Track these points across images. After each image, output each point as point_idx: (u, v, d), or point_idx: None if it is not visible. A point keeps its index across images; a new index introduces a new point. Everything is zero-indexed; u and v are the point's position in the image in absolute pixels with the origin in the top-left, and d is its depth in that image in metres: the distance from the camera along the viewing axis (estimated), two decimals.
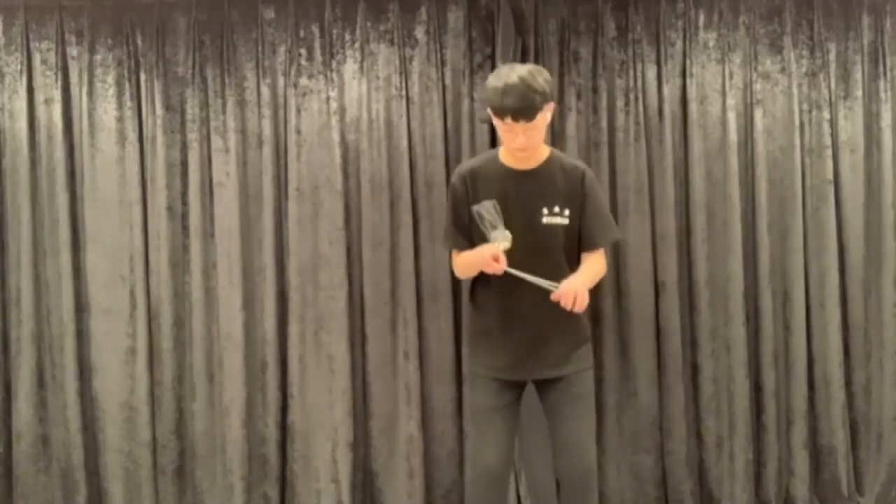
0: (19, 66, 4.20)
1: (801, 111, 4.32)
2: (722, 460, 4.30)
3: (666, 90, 4.26)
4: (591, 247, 3.12)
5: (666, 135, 4.25)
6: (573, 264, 3.09)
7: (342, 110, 4.23)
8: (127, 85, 4.21)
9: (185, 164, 4.24)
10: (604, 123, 4.25)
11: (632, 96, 4.25)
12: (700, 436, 4.30)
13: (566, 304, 2.94)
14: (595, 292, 4.11)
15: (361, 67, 4.22)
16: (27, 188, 4.20)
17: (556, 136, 4.20)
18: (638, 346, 4.23)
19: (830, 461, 4.33)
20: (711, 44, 4.30)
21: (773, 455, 4.30)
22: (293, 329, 4.20)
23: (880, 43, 4.35)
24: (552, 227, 3.05)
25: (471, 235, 3.11)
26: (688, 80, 4.27)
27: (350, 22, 4.23)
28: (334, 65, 4.23)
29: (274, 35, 4.23)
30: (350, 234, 4.24)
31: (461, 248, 3.15)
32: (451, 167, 4.12)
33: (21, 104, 4.20)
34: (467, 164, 3.24)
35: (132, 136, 4.21)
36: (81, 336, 4.22)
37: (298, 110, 4.21)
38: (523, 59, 4.12)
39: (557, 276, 3.00)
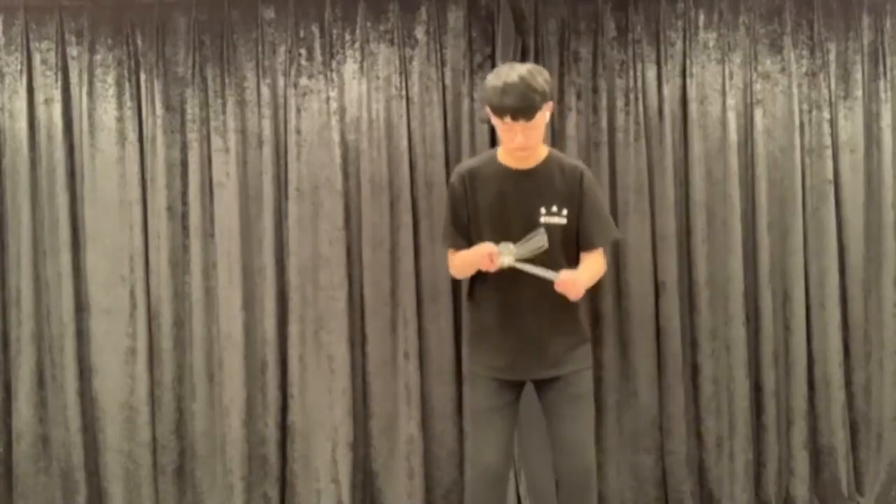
0: (19, 66, 4.20)
1: (801, 111, 4.31)
2: (722, 460, 4.30)
3: (666, 90, 4.26)
4: (590, 246, 3.12)
5: (666, 135, 4.24)
6: (572, 264, 3.09)
7: (342, 110, 4.23)
8: (127, 85, 4.21)
9: (185, 164, 4.24)
10: (604, 123, 4.24)
11: (632, 96, 4.25)
12: (700, 436, 4.30)
13: (563, 289, 2.95)
14: (595, 292, 4.13)
15: (361, 67, 4.22)
16: (27, 188, 4.20)
17: (556, 136, 4.20)
18: (638, 346, 4.23)
19: (830, 461, 4.33)
20: (711, 44, 4.29)
21: (773, 455, 4.30)
22: (293, 329, 4.20)
23: (880, 43, 4.35)
24: (550, 227, 3.04)
25: (469, 235, 3.12)
26: (688, 80, 4.26)
27: (350, 22, 4.23)
28: (334, 65, 4.24)
29: (274, 35, 4.23)
30: (350, 234, 4.24)
31: (459, 248, 3.15)
32: (451, 167, 4.12)
33: (21, 104, 4.20)
34: (466, 163, 3.24)
35: (132, 136, 4.21)
36: (81, 336, 4.22)
37: (298, 110, 4.21)
38: (523, 59, 4.11)
39: None
